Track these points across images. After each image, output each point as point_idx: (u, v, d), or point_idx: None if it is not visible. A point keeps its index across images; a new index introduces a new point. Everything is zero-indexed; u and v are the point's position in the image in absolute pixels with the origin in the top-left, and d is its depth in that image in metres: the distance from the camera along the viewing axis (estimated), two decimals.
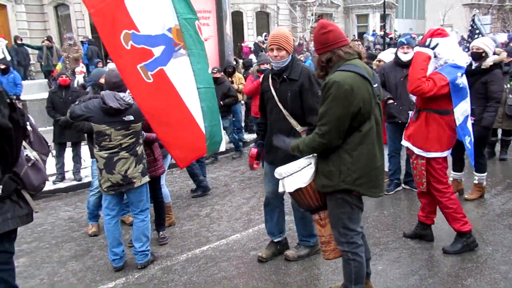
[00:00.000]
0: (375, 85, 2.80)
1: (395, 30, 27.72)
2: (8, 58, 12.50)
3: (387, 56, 5.99)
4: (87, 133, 4.36)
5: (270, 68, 3.86)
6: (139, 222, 4.02)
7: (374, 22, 30.11)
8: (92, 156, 4.78)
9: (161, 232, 4.63)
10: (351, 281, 2.89)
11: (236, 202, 5.74)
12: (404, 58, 5.22)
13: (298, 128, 3.59)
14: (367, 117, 2.65)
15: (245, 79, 8.50)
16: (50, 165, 6.77)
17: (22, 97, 10.42)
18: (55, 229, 5.21)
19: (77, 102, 3.95)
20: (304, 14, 26.11)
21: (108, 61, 11.79)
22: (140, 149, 3.94)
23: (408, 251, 4.02)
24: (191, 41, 3.49)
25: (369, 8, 30.36)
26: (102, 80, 4.61)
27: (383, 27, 22.78)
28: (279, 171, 2.92)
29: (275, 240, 4.05)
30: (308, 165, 2.84)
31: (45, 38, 13.67)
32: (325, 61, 2.75)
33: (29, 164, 2.49)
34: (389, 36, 21.68)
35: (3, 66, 9.97)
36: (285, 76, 3.60)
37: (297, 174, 2.85)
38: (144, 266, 4.03)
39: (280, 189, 2.99)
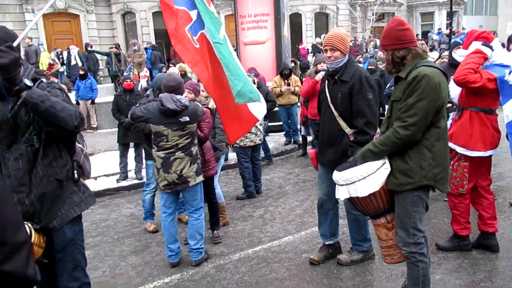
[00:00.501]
0: None
1: (463, 28, 26.28)
2: (80, 64, 13.42)
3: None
4: (146, 135, 4.56)
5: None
6: (193, 221, 4.15)
7: (440, 20, 28.74)
8: (147, 157, 5.01)
9: (215, 231, 4.75)
10: (418, 285, 2.82)
11: (290, 204, 5.74)
12: (460, 59, 4.94)
13: (347, 130, 3.56)
14: (443, 114, 2.74)
15: (302, 81, 8.47)
16: (115, 164, 7.19)
17: None
18: (118, 225, 5.51)
19: (137, 105, 4.17)
20: (364, 14, 25.51)
21: (170, 65, 12.27)
22: (195, 149, 4.07)
23: (469, 261, 3.81)
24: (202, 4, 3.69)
25: (434, 6, 29.03)
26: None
27: (449, 25, 21.69)
28: (346, 176, 2.78)
29: (327, 243, 4.00)
30: (382, 165, 2.75)
31: (113, 45, 14.52)
32: (400, 58, 2.77)
33: (84, 154, 2.71)
34: (456, 35, 20.59)
35: (82, 72, 10.79)
36: (336, 78, 3.59)
37: (371, 177, 2.73)
38: (198, 263, 4.15)
39: (343, 196, 2.85)
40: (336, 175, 2.87)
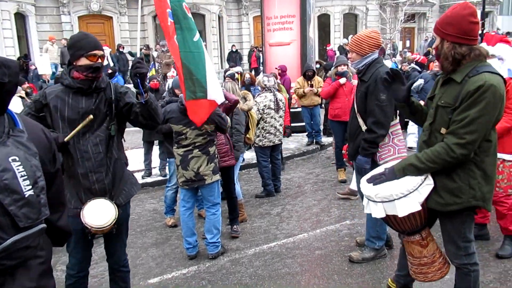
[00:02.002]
0: None
1: (498, 29, 25.55)
2: (111, 64, 13.91)
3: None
4: (165, 134, 4.77)
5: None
6: (210, 215, 4.33)
7: None
8: (170, 155, 5.22)
9: (234, 226, 4.92)
10: None
11: (307, 203, 5.84)
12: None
13: (363, 127, 3.71)
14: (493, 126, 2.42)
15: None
16: (140, 161, 7.46)
17: None
18: (141, 219, 5.75)
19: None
20: (395, 14, 25.18)
21: None
22: (212, 149, 4.22)
23: (480, 262, 3.79)
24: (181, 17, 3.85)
25: None
26: (177, 91, 5.07)
27: (482, 26, 21.14)
28: (384, 193, 2.44)
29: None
30: (424, 180, 2.43)
31: (143, 47, 14.96)
32: (460, 55, 2.37)
33: None
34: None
35: (110, 71, 11.26)
36: (359, 77, 3.82)
37: (413, 195, 2.39)
38: (214, 256, 4.32)
39: (380, 214, 2.50)
40: (370, 190, 2.53)
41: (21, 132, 1.50)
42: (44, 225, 1.51)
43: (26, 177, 1.42)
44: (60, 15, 18.80)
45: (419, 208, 2.41)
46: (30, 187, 1.43)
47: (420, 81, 7.04)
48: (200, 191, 4.36)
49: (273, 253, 4.38)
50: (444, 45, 2.40)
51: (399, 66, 12.74)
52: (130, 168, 3.04)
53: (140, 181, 7.22)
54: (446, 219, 2.57)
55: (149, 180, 7.28)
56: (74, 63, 2.68)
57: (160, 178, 7.30)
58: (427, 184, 2.42)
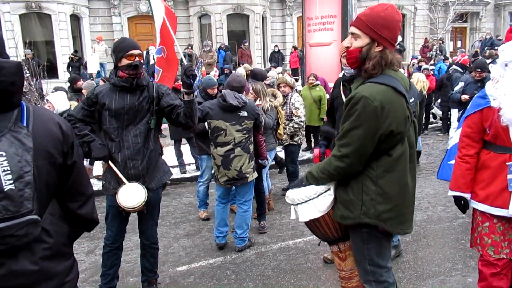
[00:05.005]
0: (411, 100, 2.25)
1: None
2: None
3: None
4: (198, 134, 4.99)
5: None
6: (242, 212, 4.49)
7: None
8: (200, 153, 5.44)
9: (261, 222, 5.07)
10: None
11: None
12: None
13: None
14: (400, 140, 2.18)
15: None
16: (173, 158, 7.76)
17: None
18: (176, 211, 6.03)
19: None
20: (446, 13, 24.34)
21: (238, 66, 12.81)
22: (251, 147, 4.38)
23: None
24: None
25: None
26: (210, 90, 5.31)
27: None
28: (291, 196, 2.45)
29: None
30: (326, 191, 2.39)
31: (187, 46, 15.44)
32: (386, 63, 2.18)
33: None
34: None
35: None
36: (348, 85, 3.65)
37: (312, 202, 2.38)
38: (241, 249, 4.50)
39: (292, 216, 2.54)
40: (287, 193, 2.55)
41: (21, 128, 1.59)
42: (33, 217, 1.56)
43: (9, 171, 1.51)
44: (111, 16, 19.72)
45: (318, 215, 2.39)
46: (12, 181, 1.51)
47: (461, 84, 6.97)
48: (236, 187, 4.51)
49: (298, 248, 4.49)
50: (374, 48, 2.17)
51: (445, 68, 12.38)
52: (170, 163, 3.38)
53: (178, 176, 7.55)
54: (350, 235, 2.43)
55: (187, 175, 7.57)
56: (118, 65, 3.11)
57: (197, 173, 7.55)
58: (328, 195, 2.38)
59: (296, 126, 5.94)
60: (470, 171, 2.79)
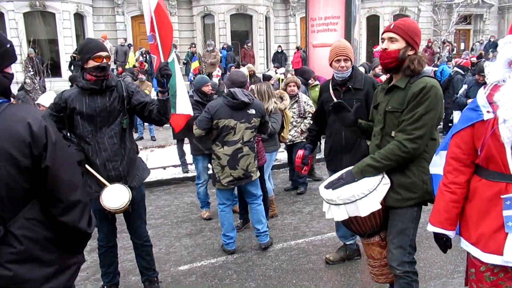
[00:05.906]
0: None
1: None
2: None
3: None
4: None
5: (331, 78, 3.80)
6: (256, 206, 4.49)
7: None
8: (195, 153, 5.45)
9: None
10: None
11: None
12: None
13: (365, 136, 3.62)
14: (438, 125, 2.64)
15: None
16: (175, 158, 7.77)
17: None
18: (178, 211, 6.04)
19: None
20: (449, 15, 24.29)
21: (241, 66, 12.81)
22: (255, 146, 4.37)
23: None
24: None
25: None
26: (204, 88, 5.32)
27: None
28: (345, 195, 2.49)
29: (347, 243, 4.11)
30: (381, 180, 2.54)
31: (190, 45, 15.44)
32: (420, 65, 2.60)
33: None
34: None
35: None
36: (350, 86, 3.65)
37: (372, 194, 2.48)
38: (266, 246, 4.48)
39: (342, 216, 2.53)
40: (331, 194, 2.54)
41: None
42: None
43: None
44: (115, 15, 19.76)
45: (379, 206, 2.51)
46: None
47: (464, 87, 7.07)
48: (243, 187, 4.49)
49: (300, 249, 4.49)
50: (409, 51, 2.57)
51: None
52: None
53: (181, 175, 7.55)
54: (397, 219, 2.63)
55: (189, 174, 7.57)
56: (85, 66, 3.04)
57: None
58: (384, 184, 2.53)
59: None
60: (456, 203, 2.12)
